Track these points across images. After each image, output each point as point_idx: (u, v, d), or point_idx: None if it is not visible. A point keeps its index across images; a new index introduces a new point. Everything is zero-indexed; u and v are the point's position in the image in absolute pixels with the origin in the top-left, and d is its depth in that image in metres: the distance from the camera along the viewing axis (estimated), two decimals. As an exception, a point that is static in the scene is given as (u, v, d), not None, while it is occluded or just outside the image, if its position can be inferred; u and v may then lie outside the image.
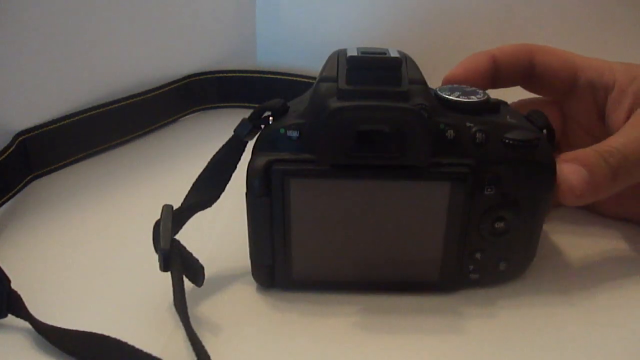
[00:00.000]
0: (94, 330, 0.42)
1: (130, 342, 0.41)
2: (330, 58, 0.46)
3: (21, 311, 0.44)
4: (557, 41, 0.78)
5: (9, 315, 0.44)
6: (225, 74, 0.86)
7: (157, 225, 0.44)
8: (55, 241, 0.56)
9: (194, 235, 0.46)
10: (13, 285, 0.44)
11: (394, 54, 0.44)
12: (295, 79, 0.82)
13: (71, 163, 0.70)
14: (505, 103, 0.48)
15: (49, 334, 0.43)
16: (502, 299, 0.48)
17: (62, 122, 0.68)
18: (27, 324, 0.43)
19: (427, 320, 0.46)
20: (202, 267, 0.45)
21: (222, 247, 0.53)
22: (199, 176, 0.47)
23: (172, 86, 0.81)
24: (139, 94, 0.76)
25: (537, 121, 0.46)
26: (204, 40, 0.83)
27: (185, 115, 0.85)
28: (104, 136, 0.73)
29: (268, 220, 0.45)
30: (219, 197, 0.47)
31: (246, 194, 0.44)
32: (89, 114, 0.71)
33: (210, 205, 0.47)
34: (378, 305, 0.47)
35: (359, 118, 0.41)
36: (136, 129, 0.77)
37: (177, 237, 0.45)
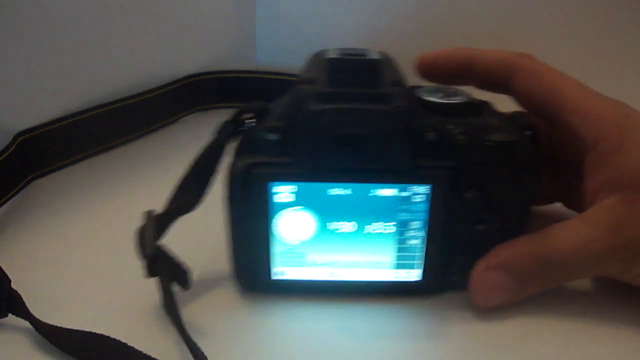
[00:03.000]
0: (94, 330, 0.42)
1: (130, 342, 0.41)
2: (310, 59, 0.46)
3: (21, 311, 0.44)
4: (556, 39, 0.78)
5: (9, 314, 0.44)
6: (225, 74, 0.86)
7: (140, 232, 0.44)
8: (55, 241, 0.56)
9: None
10: (13, 285, 0.44)
11: (374, 55, 0.43)
12: (295, 79, 0.79)
13: (71, 163, 0.71)
14: (487, 104, 0.47)
15: (48, 334, 0.43)
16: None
17: (62, 122, 0.69)
18: (27, 324, 0.43)
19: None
20: (188, 271, 0.45)
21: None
22: (181, 180, 0.46)
23: (172, 86, 0.81)
24: (139, 94, 0.77)
25: (521, 122, 0.45)
26: (204, 40, 0.83)
27: (185, 115, 0.85)
28: (103, 136, 0.74)
29: (248, 224, 0.44)
30: (201, 201, 0.46)
31: (226, 197, 0.44)
32: (89, 114, 0.71)
33: (192, 209, 0.46)
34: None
35: (339, 121, 0.41)
36: (136, 129, 0.77)
37: (160, 242, 0.44)
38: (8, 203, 0.62)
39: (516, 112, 0.46)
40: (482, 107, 0.46)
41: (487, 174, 0.44)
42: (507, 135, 0.43)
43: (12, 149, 0.63)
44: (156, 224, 0.44)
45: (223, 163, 0.45)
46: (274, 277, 0.47)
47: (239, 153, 0.44)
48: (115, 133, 0.75)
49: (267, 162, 0.43)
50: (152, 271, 0.43)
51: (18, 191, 0.64)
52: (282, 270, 0.46)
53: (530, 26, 0.79)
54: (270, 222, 0.44)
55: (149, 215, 0.45)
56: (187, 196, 0.46)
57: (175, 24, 0.79)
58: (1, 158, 0.61)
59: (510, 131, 0.44)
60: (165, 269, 0.43)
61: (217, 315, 0.42)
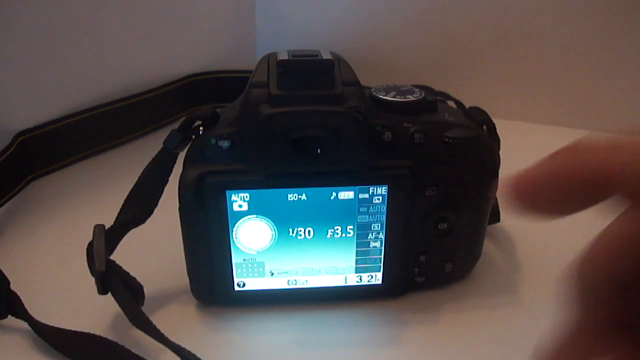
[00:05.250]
0: (92, 332, 0.42)
1: (127, 344, 0.41)
2: (260, 62, 0.45)
3: (20, 312, 0.44)
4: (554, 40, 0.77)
5: (9, 316, 0.44)
6: (225, 74, 0.86)
7: (90, 247, 0.44)
8: (55, 242, 0.57)
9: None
10: (12, 286, 0.45)
11: (326, 55, 0.42)
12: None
13: (71, 163, 0.71)
14: (443, 101, 0.46)
15: (47, 335, 0.43)
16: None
17: (62, 122, 0.69)
18: (26, 325, 0.44)
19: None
20: (141, 286, 0.44)
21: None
22: (130, 192, 0.46)
23: (172, 86, 0.81)
24: (139, 94, 0.77)
25: (477, 117, 0.45)
26: (204, 40, 0.83)
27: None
28: (104, 136, 0.74)
29: (204, 235, 0.43)
30: (152, 212, 0.46)
31: (179, 208, 0.43)
32: (89, 114, 0.72)
33: (143, 222, 0.46)
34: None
35: (292, 124, 0.40)
36: (136, 129, 0.78)
37: (112, 256, 0.44)
38: (8, 203, 0.63)
39: (472, 108, 0.46)
40: (437, 104, 0.45)
41: (445, 171, 0.43)
42: (464, 131, 0.43)
43: (12, 149, 0.63)
44: (106, 239, 0.43)
45: (173, 173, 0.45)
46: (234, 289, 0.46)
47: (189, 162, 0.43)
48: (115, 133, 0.75)
49: (220, 170, 0.42)
50: (103, 288, 0.42)
51: (18, 191, 0.65)
52: (242, 281, 0.46)
53: (530, 30, 0.77)
54: (230, 232, 0.44)
55: (98, 230, 0.44)
56: (137, 208, 0.45)
57: (175, 24, 0.79)
58: (1, 158, 0.62)
59: (467, 127, 0.43)
60: (118, 285, 0.42)
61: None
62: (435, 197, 0.44)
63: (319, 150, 0.41)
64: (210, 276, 0.45)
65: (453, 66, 0.78)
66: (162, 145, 0.44)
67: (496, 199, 0.50)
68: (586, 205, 0.24)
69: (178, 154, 0.45)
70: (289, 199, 0.43)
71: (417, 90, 0.45)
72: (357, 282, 0.46)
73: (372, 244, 0.45)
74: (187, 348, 0.39)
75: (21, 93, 0.65)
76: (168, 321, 0.44)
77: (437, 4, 0.77)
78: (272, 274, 0.46)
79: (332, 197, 0.43)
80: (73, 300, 0.48)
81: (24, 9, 0.62)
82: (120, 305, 0.42)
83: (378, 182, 0.42)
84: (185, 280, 0.46)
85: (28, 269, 0.52)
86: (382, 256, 0.45)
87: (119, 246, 0.45)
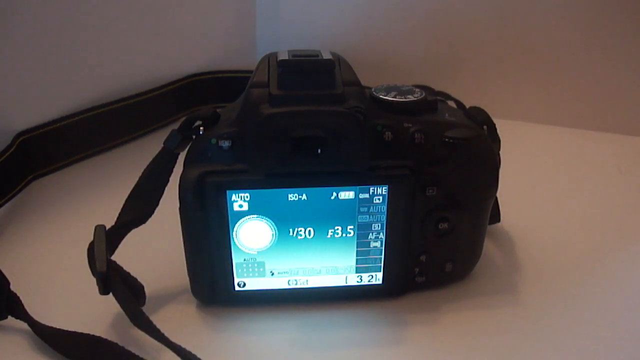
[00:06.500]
0: (92, 332, 0.42)
1: (127, 344, 0.41)
2: (260, 62, 0.44)
3: (20, 313, 0.44)
4: (553, 39, 0.77)
5: (9, 316, 0.44)
6: (225, 74, 0.86)
7: (91, 247, 0.44)
8: (55, 242, 0.57)
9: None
10: (12, 286, 0.45)
11: (326, 55, 0.42)
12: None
13: (71, 163, 0.71)
14: (443, 101, 0.46)
15: (46, 336, 0.43)
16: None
17: (62, 122, 0.69)
18: (26, 326, 0.44)
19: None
20: (142, 287, 0.44)
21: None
22: (131, 192, 0.46)
23: (173, 86, 0.81)
24: (140, 94, 0.77)
25: (477, 117, 0.44)
26: (204, 40, 0.83)
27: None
28: (103, 136, 0.74)
29: (205, 235, 0.43)
30: (153, 212, 0.46)
31: (179, 208, 0.43)
32: (89, 114, 0.72)
33: (144, 222, 0.46)
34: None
35: (293, 124, 0.40)
36: (136, 129, 0.78)
37: (112, 256, 0.44)
38: (8, 203, 0.63)
39: (472, 108, 0.46)
40: (437, 104, 0.45)
41: (446, 171, 0.43)
42: (464, 131, 0.43)
43: (12, 149, 0.64)
44: (107, 239, 0.43)
45: (173, 173, 0.45)
46: (234, 289, 0.46)
47: (190, 162, 0.43)
48: (115, 133, 0.75)
49: (220, 170, 0.42)
50: (105, 288, 0.42)
51: (18, 191, 0.65)
52: (243, 281, 0.46)
53: (529, 25, 0.77)
54: (230, 232, 0.43)
55: (99, 230, 0.44)
56: (138, 208, 0.46)
57: (176, 24, 0.79)
58: (1, 158, 0.62)
59: (467, 127, 0.44)
60: (119, 285, 0.42)
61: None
62: (436, 197, 0.44)
63: (319, 150, 0.41)
64: (210, 276, 0.45)
65: (453, 66, 0.78)
66: (162, 145, 0.44)
67: (496, 199, 0.50)
68: None
69: (178, 154, 0.45)
70: (289, 199, 0.43)
71: (417, 90, 0.45)
72: (358, 282, 0.46)
73: (373, 244, 0.45)
74: (187, 348, 0.39)
75: (21, 93, 0.65)
76: (168, 321, 0.44)
77: (437, 4, 0.77)
78: (273, 274, 0.46)
79: (332, 197, 0.43)
80: (73, 300, 0.48)
81: (24, 9, 0.62)
82: (121, 305, 0.42)
83: (378, 182, 0.42)
84: (185, 280, 0.46)
85: (28, 269, 0.52)
86: (383, 256, 0.45)
87: (119, 246, 0.45)
